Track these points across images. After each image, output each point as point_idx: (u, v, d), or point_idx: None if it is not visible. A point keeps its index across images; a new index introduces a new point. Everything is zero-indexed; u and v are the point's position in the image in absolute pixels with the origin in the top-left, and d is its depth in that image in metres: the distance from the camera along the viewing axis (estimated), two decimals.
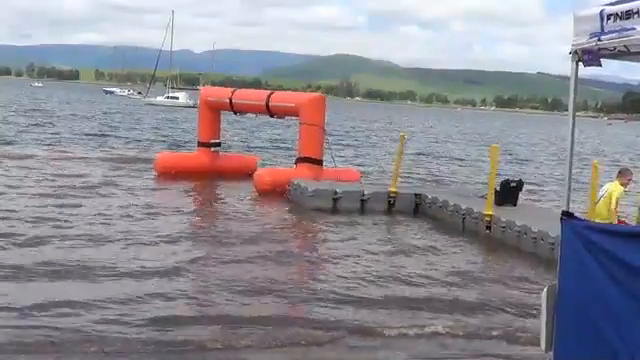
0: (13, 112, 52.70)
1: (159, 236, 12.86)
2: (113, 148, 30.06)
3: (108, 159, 25.31)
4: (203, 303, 9.09)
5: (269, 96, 21.15)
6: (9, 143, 28.48)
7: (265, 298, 9.35)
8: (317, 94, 23.03)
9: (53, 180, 19.07)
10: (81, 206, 15.29)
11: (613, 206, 12.01)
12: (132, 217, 14.54)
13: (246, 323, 8.29)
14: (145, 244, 12.18)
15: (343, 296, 9.68)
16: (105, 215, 14.40)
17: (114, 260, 10.73)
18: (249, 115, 24.83)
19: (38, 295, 8.70)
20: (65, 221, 13.50)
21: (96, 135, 36.07)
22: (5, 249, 11.09)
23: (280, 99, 21.05)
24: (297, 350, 7.70)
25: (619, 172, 12.63)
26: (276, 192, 18.47)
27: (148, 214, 15.05)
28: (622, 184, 12.22)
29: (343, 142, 42.67)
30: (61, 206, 15.08)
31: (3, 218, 13.24)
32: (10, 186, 17.43)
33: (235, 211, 16.58)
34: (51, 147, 28.30)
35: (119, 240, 12.20)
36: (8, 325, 7.64)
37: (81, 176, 20.19)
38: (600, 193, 12.32)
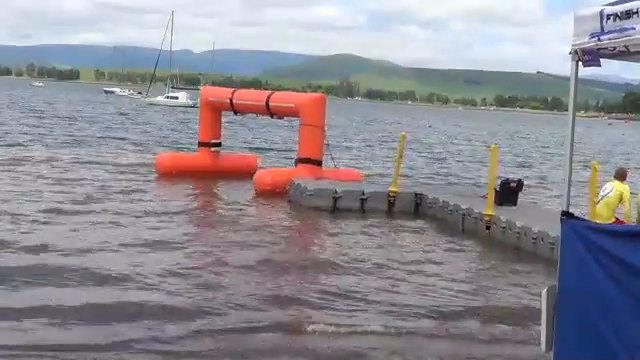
0: (22, 114, 52.13)
1: (159, 239, 12.72)
2: (114, 151, 30.01)
3: (112, 162, 25.18)
4: (201, 318, 8.52)
5: (269, 96, 21.15)
6: (19, 145, 28.45)
7: (266, 313, 8.95)
8: (317, 94, 22.99)
9: (56, 185, 18.89)
10: (79, 213, 14.87)
11: (628, 208, 12.12)
12: (129, 221, 14.26)
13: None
14: (145, 248, 11.96)
15: (344, 305, 9.42)
16: (104, 221, 14.05)
17: (113, 267, 10.39)
18: (249, 115, 24.86)
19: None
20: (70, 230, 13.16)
21: (103, 137, 35.61)
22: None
23: (280, 99, 21.03)
24: None
25: (619, 173, 12.65)
26: (276, 192, 18.48)
27: (147, 217, 14.90)
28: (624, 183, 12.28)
29: (357, 144, 42.22)
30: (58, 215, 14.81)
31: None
32: (18, 193, 16.77)
33: (236, 212, 16.53)
34: (55, 149, 28.22)
35: (116, 248, 11.84)
36: None
37: (81, 180, 20.13)
38: (602, 193, 12.33)
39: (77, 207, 15.44)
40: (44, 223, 13.43)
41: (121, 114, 65.27)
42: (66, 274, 9.92)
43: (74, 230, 13.06)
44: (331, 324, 8.44)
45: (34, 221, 13.44)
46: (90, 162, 24.18)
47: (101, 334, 7.67)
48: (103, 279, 9.79)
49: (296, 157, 20.54)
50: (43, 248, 11.36)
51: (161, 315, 8.45)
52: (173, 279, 10.11)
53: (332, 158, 21.11)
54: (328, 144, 20.91)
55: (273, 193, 18.50)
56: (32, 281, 9.54)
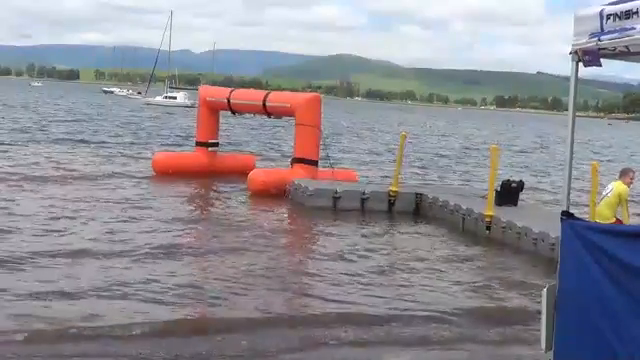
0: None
1: (158, 242, 12.49)
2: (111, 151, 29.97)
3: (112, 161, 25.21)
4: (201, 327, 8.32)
5: (266, 96, 21.17)
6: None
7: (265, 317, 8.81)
8: (313, 94, 22.94)
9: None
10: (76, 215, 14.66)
11: (625, 206, 12.11)
12: (127, 223, 14.05)
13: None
14: (139, 254, 11.54)
15: (343, 310, 9.27)
16: (101, 222, 13.85)
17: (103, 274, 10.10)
18: (247, 115, 24.81)
19: None
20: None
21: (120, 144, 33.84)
22: None
23: (276, 99, 21.05)
24: None
25: (621, 172, 12.65)
26: (271, 192, 18.34)
27: (146, 218, 14.76)
28: (625, 183, 12.26)
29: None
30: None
31: None
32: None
33: (235, 212, 16.54)
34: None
35: (111, 251, 11.57)
36: None
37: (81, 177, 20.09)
38: (604, 192, 12.33)
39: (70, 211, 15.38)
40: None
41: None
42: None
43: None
44: (332, 333, 8.32)
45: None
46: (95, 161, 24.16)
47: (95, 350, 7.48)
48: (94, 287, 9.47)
49: (292, 157, 20.51)
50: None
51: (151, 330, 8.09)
52: (170, 287, 9.76)
53: (329, 158, 21.12)
54: (325, 144, 20.89)
55: (268, 193, 18.39)
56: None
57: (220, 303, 9.16)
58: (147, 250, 11.67)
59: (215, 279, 10.29)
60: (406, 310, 9.33)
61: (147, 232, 13.26)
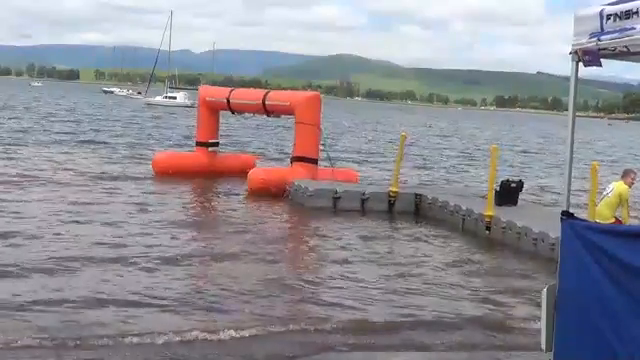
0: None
1: (159, 246, 12.35)
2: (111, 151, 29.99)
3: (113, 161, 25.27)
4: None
5: (265, 95, 21.18)
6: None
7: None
8: (312, 92, 22.96)
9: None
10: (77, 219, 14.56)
11: (626, 206, 12.14)
12: (128, 225, 13.92)
13: None
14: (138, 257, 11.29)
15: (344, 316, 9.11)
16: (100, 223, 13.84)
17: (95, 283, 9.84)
18: (247, 115, 24.80)
19: None
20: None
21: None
22: None
23: (276, 98, 21.07)
24: None
25: (623, 172, 12.69)
26: (271, 190, 18.34)
27: (147, 221, 14.60)
28: (626, 184, 12.28)
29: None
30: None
31: None
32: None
33: (235, 214, 16.52)
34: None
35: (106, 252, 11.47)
36: None
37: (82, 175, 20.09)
38: (605, 192, 12.36)
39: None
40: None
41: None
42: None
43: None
44: (333, 338, 8.26)
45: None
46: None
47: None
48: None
49: (291, 156, 20.51)
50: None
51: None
52: (173, 292, 9.63)
53: (329, 157, 21.12)
54: (324, 143, 20.88)
55: (268, 191, 18.37)
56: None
57: (222, 308, 9.08)
58: (148, 255, 11.52)
59: (217, 284, 10.23)
60: (406, 314, 9.30)
61: (148, 235, 13.19)
